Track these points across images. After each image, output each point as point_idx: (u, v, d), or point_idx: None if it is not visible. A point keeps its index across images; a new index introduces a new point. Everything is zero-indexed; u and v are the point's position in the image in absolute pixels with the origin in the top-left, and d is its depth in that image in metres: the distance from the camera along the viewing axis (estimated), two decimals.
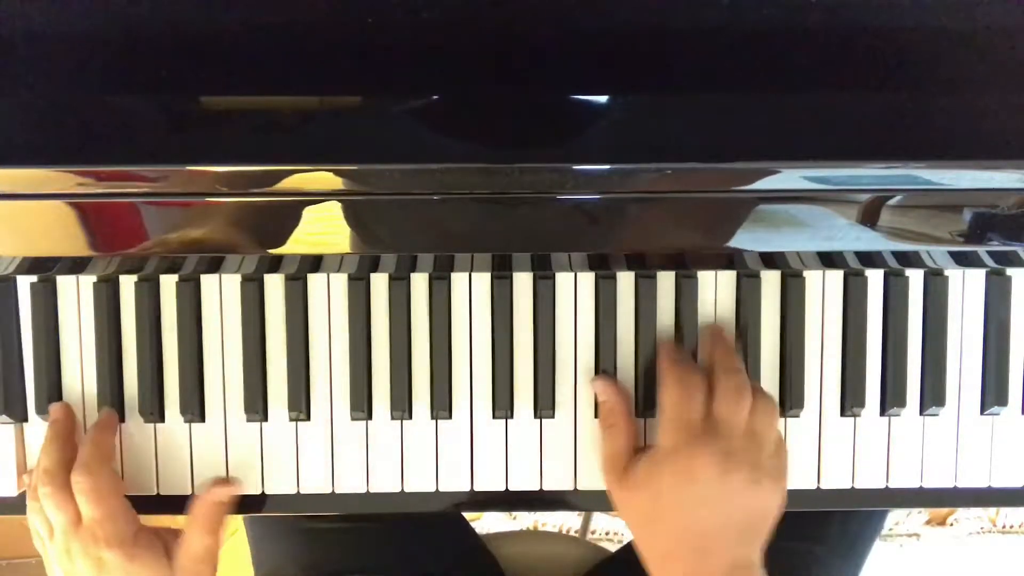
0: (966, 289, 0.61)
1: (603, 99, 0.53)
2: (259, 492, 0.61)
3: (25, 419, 0.61)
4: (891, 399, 0.60)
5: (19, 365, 0.60)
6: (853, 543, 0.76)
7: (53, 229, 0.53)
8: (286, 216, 0.53)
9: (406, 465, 0.61)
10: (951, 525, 1.46)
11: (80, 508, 0.56)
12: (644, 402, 0.60)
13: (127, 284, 0.60)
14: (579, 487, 0.61)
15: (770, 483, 0.54)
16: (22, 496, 0.60)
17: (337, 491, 0.61)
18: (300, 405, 0.60)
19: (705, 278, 0.60)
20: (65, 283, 0.60)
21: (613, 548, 0.88)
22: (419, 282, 0.60)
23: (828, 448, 0.61)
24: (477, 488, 0.61)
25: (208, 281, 0.60)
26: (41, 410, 0.60)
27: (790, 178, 0.52)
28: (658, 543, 0.54)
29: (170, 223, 0.54)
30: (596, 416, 0.60)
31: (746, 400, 0.55)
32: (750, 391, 0.55)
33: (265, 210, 0.53)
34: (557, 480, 0.61)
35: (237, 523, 1.44)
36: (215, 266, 0.60)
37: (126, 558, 0.55)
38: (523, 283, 0.60)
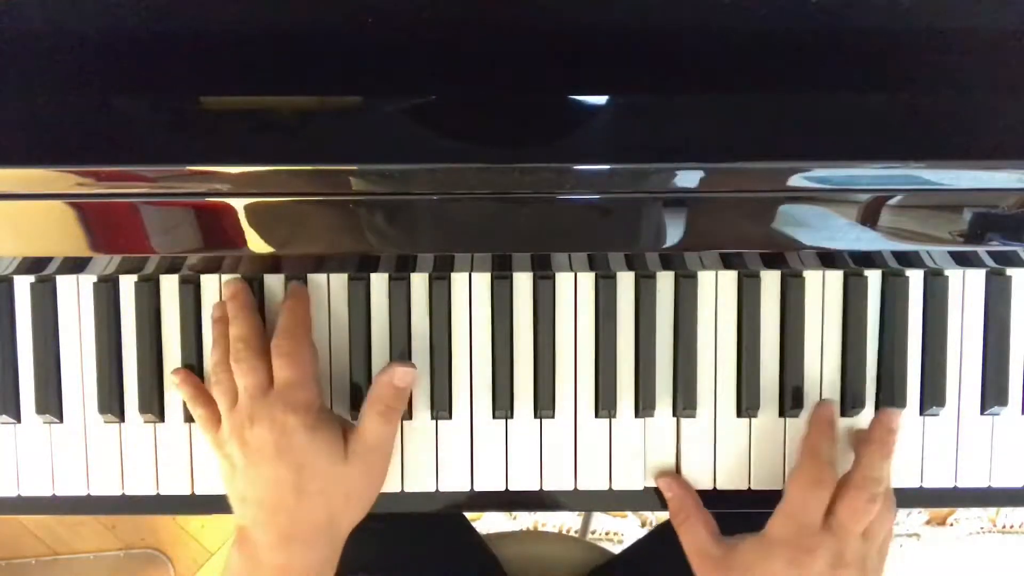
0: (966, 289, 0.61)
1: (602, 99, 0.53)
2: None
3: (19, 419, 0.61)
4: (891, 399, 0.60)
5: (15, 365, 0.60)
6: None
7: (53, 229, 0.53)
8: (286, 216, 0.53)
9: (406, 465, 0.61)
10: (951, 525, 1.46)
11: (276, 371, 0.55)
12: (643, 401, 0.60)
13: (127, 284, 0.60)
14: (579, 487, 0.61)
15: None
16: (21, 496, 0.61)
17: None
18: None
19: (705, 278, 0.60)
20: (65, 283, 0.60)
21: (613, 548, 0.88)
22: (419, 282, 0.60)
23: None
24: (477, 488, 0.61)
25: (208, 281, 0.60)
26: (40, 410, 0.60)
27: (790, 178, 0.52)
28: None
29: (170, 223, 0.54)
30: (596, 416, 0.60)
31: (872, 513, 0.55)
32: (879, 504, 0.55)
33: (264, 210, 0.53)
34: (557, 480, 0.61)
35: None
36: (215, 266, 0.60)
37: (309, 427, 0.54)
38: (523, 283, 0.60)
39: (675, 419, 0.61)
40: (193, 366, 0.60)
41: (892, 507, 0.57)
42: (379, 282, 0.60)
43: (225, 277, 0.60)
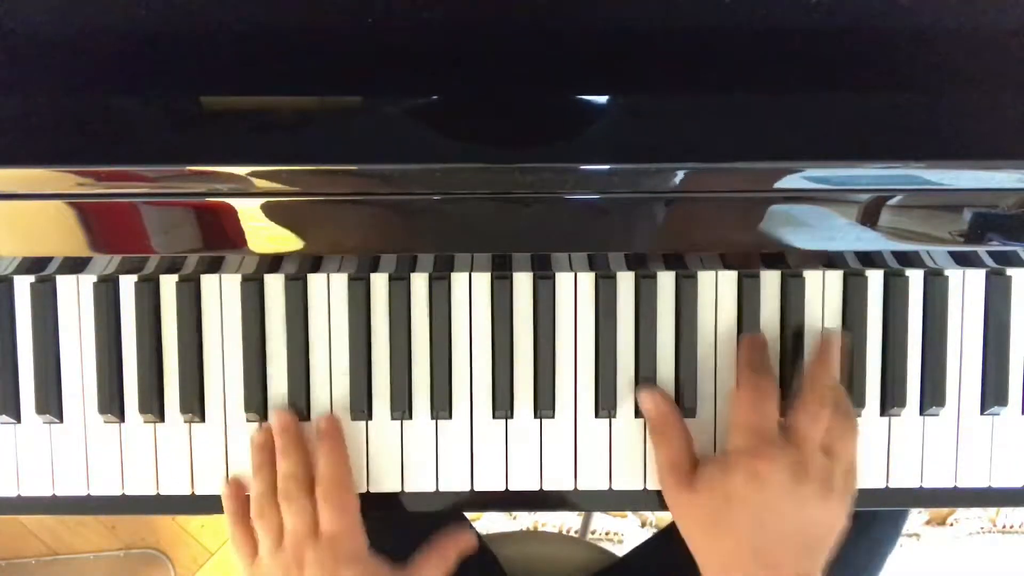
0: (966, 289, 0.61)
1: (603, 99, 0.53)
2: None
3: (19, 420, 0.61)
4: (891, 399, 0.60)
5: (15, 365, 0.60)
6: (865, 565, 0.76)
7: (53, 229, 0.53)
8: (286, 216, 0.53)
9: (406, 465, 0.61)
10: (951, 525, 1.46)
11: (324, 522, 0.55)
12: None
13: (127, 284, 0.60)
14: (579, 487, 0.61)
15: (838, 501, 0.53)
16: (21, 496, 0.61)
17: None
18: (301, 405, 0.60)
19: (705, 278, 0.60)
20: (65, 283, 0.60)
21: (613, 548, 0.88)
22: (419, 282, 0.60)
23: None
24: (477, 488, 0.61)
25: (208, 281, 0.60)
26: (40, 410, 0.60)
27: (790, 178, 0.52)
28: (722, 547, 0.53)
29: (170, 223, 0.54)
30: (596, 416, 0.60)
31: (825, 416, 0.54)
32: (831, 408, 0.54)
33: (264, 210, 0.53)
34: (557, 480, 0.61)
35: None
36: (215, 266, 0.60)
37: None
38: (523, 283, 0.60)
39: None
40: (193, 366, 0.60)
41: (853, 425, 0.56)
42: (379, 282, 0.60)
43: (228, 278, 0.60)
